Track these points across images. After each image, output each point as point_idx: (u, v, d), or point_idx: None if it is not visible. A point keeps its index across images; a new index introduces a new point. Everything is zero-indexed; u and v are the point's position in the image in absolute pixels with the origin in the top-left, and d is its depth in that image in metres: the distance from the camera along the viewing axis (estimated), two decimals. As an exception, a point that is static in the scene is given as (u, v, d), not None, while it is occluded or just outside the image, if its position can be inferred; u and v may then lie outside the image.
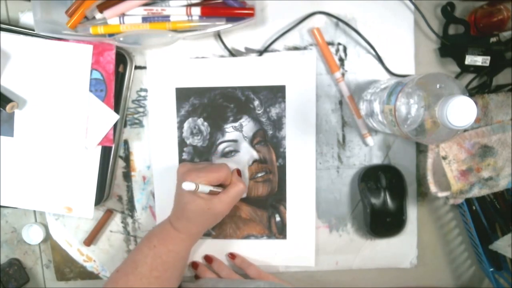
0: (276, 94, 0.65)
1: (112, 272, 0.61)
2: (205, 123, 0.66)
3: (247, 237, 0.68)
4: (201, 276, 0.67)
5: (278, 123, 0.66)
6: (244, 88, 0.65)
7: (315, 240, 0.68)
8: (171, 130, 0.66)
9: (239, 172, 0.64)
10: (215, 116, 0.66)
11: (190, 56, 0.66)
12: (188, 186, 0.54)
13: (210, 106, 0.66)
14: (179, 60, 0.66)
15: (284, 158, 0.67)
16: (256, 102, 0.65)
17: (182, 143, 0.66)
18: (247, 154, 0.66)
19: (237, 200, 0.61)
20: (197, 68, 0.65)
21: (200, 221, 0.60)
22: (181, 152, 0.67)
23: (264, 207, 0.68)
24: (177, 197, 0.60)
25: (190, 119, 0.66)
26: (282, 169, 0.67)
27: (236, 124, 0.66)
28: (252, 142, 0.66)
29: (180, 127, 0.66)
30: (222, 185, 0.61)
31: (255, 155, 0.67)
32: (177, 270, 0.61)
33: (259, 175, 0.67)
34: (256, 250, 0.68)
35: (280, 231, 0.68)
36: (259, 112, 0.66)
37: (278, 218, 0.68)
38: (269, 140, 0.66)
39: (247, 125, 0.66)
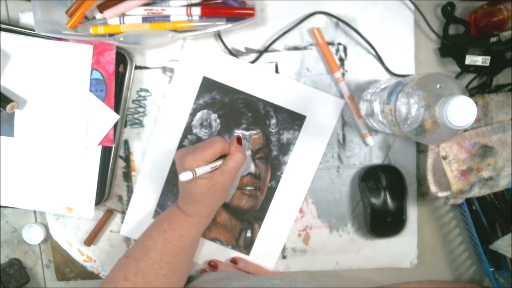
0: (294, 121, 0.66)
1: (120, 257, 0.60)
2: (218, 120, 0.66)
3: (213, 239, 0.68)
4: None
5: (285, 148, 0.66)
6: (267, 102, 0.66)
7: (274, 268, 0.69)
8: (182, 114, 0.66)
9: (239, 140, 0.60)
10: (229, 117, 0.66)
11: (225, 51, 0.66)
12: (185, 176, 0.51)
13: (228, 107, 0.66)
14: (214, 50, 0.65)
15: (277, 182, 0.67)
16: (273, 121, 0.66)
17: (188, 129, 0.66)
18: (245, 164, 0.66)
19: (239, 169, 0.58)
20: (230, 65, 0.65)
21: (208, 200, 0.58)
22: (183, 138, 0.66)
23: (240, 219, 0.68)
24: (180, 183, 0.59)
25: (205, 111, 0.66)
26: (271, 191, 0.67)
27: (247, 133, 0.66)
28: (255, 155, 0.67)
29: (193, 115, 0.66)
30: (223, 156, 0.59)
31: (252, 168, 0.67)
32: (188, 255, 0.61)
33: (248, 188, 0.67)
34: (216, 255, 0.68)
35: (246, 246, 0.68)
36: (272, 131, 0.66)
37: (249, 234, 0.68)
38: (270, 160, 0.67)
39: (256, 138, 0.66)
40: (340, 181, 0.68)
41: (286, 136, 0.66)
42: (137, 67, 0.66)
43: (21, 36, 0.63)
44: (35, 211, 0.69)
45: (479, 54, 0.62)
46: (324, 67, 0.66)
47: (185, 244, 0.59)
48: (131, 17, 0.61)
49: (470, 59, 0.62)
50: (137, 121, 0.67)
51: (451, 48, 0.64)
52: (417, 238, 0.68)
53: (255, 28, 0.65)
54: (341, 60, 0.66)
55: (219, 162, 0.57)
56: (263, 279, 0.63)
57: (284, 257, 0.69)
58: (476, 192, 0.61)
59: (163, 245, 0.58)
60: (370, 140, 0.66)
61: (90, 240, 0.68)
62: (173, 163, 0.67)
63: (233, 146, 0.58)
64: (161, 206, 0.68)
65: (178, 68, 0.66)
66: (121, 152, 0.68)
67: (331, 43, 0.66)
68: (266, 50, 0.65)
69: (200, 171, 0.54)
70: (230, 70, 0.65)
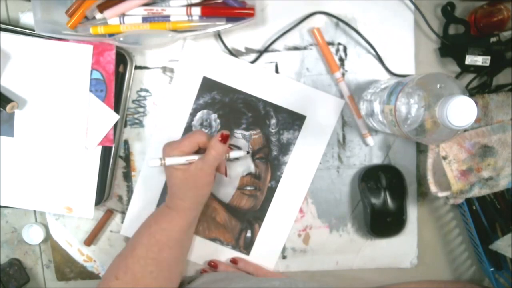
0: (294, 121, 0.66)
1: (115, 257, 0.61)
2: (218, 120, 0.66)
3: (213, 239, 0.68)
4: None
5: (285, 148, 0.66)
6: (267, 102, 0.66)
7: (274, 268, 0.68)
8: (183, 114, 0.66)
9: (223, 136, 0.56)
10: (229, 117, 0.66)
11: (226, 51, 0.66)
12: (152, 163, 0.50)
13: (228, 107, 0.66)
14: (214, 50, 0.65)
15: (277, 181, 0.67)
16: (273, 121, 0.66)
17: (188, 129, 0.66)
18: (245, 164, 0.67)
19: (215, 165, 0.57)
20: (230, 65, 0.65)
21: (185, 193, 0.58)
22: None
23: (240, 219, 0.68)
24: (166, 176, 0.60)
25: (205, 111, 0.66)
26: (271, 191, 0.67)
27: (247, 133, 0.66)
28: (254, 155, 0.67)
29: (193, 114, 0.66)
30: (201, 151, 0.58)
31: (252, 168, 0.67)
32: (172, 252, 0.59)
33: (248, 188, 0.67)
34: (216, 255, 0.68)
35: (246, 246, 0.68)
36: (272, 131, 0.66)
37: (249, 234, 0.68)
38: (270, 160, 0.67)
39: (256, 138, 0.66)
40: (340, 181, 0.68)
41: (286, 136, 0.66)
42: (137, 67, 0.66)
43: (21, 36, 0.63)
44: (35, 211, 0.69)
45: (479, 54, 0.62)
46: (324, 67, 0.66)
47: (168, 238, 0.58)
48: (131, 17, 0.61)
49: (470, 59, 0.62)
50: (137, 121, 0.67)
51: (451, 48, 0.64)
52: (417, 238, 0.68)
53: (255, 28, 0.65)
54: (341, 60, 0.66)
55: (197, 157, 0.57)
56: (263, 280, 0.63)
57: (284, 257, 0.69)
58: (476, 192, 0.61)
59: (148, 240, 0.58)
60: (370, 140, 0.66)
61: (90, 240, 0.68)
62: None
63: (213, 141, 0.56)
64: (161, 206, 0.68)
65: (178, 68, 0.66)
66: (121, 152, 0.67)
67: (331, 43, 0.66)
68: (266, 50, 0.65)
69: (170, 161, 0.53)
70: (230, 70, 0.65)
